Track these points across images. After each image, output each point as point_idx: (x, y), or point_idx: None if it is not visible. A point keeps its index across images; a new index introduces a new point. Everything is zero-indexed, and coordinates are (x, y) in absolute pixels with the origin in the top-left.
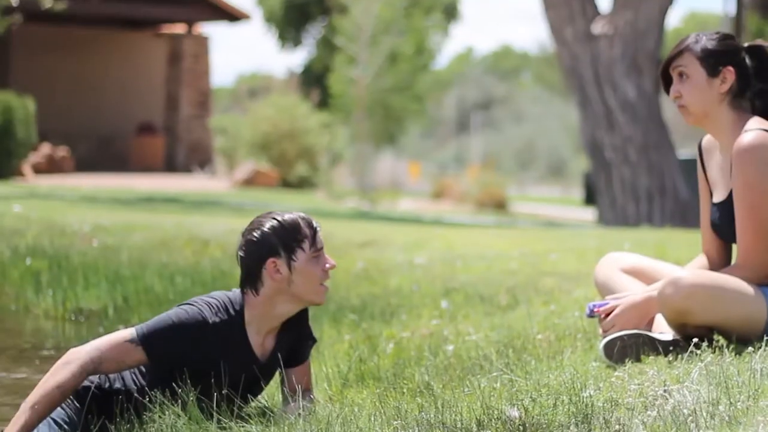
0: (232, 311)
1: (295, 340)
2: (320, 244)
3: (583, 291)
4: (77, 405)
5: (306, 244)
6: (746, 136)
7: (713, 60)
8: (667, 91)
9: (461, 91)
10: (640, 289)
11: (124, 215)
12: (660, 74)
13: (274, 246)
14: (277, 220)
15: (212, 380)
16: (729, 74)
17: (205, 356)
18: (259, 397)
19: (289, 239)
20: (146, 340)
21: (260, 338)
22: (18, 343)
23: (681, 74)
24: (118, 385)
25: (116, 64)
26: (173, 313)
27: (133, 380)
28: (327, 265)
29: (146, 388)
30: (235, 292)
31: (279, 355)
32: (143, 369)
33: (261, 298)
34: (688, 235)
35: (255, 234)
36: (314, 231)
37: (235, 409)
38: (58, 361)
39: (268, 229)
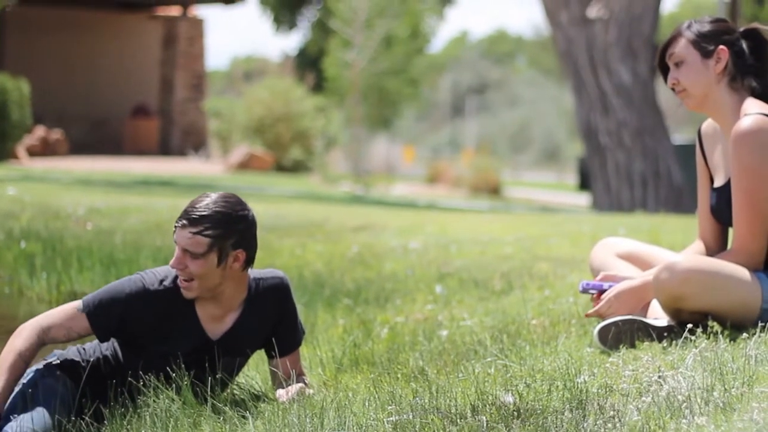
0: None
1: (273, 327)
2: (175, 238)
3: (577, 276)
4: (71, 388)
5: None
6: (745, 120)
7: (705, 41)
8: (666, 81)
9: (456, 75)
10: (636, 274)
11: (119, 198)
12: (657, 65)
13: None
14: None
15: (165, 350)
16: (723, 53)
17: (147, 325)
18: (254, 382)
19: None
20: (88, 308)
21: (207, 315)
22: (11, 326)
23: (676, 62)
24: (97, 354)
25: (111, 47)
26: (117, 282)
27: (109, 346)
28: (171, 261)
29: (119, 359)
30: None
31: (241, 337)
32: (116, 344)
33: None
34: (682, 221)
35: None
36: (176, 223)
37: (195, 382)
38: (13, 334)
39: None
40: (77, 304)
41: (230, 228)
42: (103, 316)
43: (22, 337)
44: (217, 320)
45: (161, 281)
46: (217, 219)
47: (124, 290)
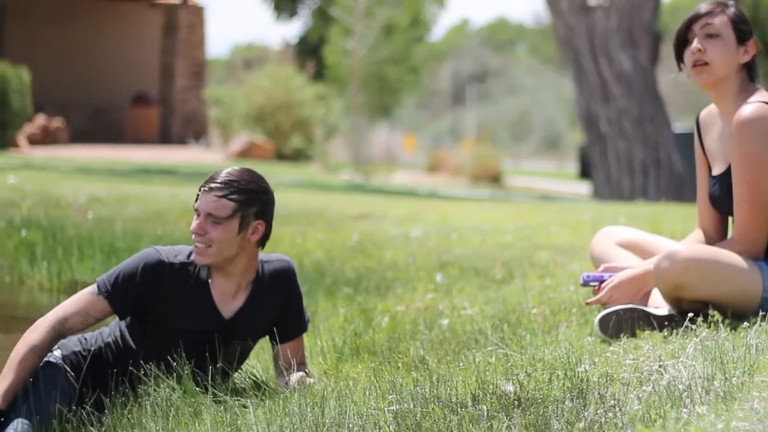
0: (193, 257)
1: (278, 310)
2: (197, 205)
3: (578, 265)
4: (72, 378)
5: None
6: (746, 108)
7: (746, 28)
8: (678, 56)
9: (456, 63)
10: (637, 263)
11: (119, 187)
12: (680, 29)
13: None
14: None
15: (176, 326)
16: (752, 48)
17: (163, 298)
18: (255, 371)
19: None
20: (105, 288)
21: (219, 291)
22: (12, 315)
23: (711, 33)
24: (99, 342)
25: (111, 35)
26: (130, 258)
27: (110, 333)
28: (191, 226)
29: (126, 342)
30: None
31: (250, 319)
32: (122, 328)
33: None
34: (683, 209)
35: None
36: (201, 189)
37: (203, 366)
38: (29, 328)
39: None
40: (91, 289)
41: (254, 196)
42: (121, 292)
43: (38, 331)
44: (228, 298)
45: (176, 255)
46: (242, 185)
47: (140, 263)
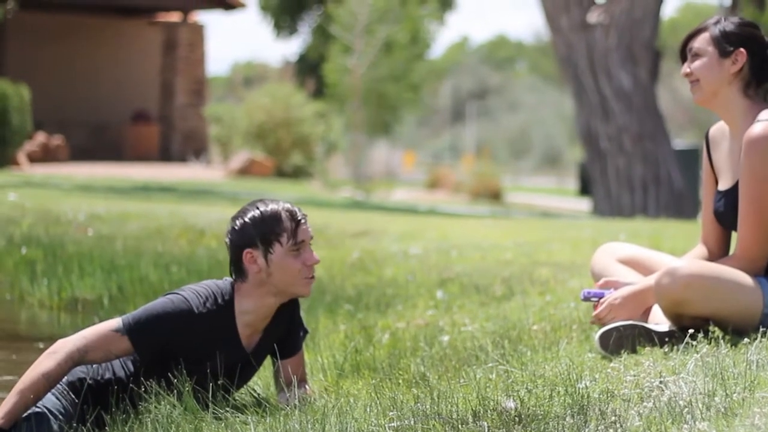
0: (221, 301)
1: (285, 331)
2: (301, 238)
3: (578, 281)
4: (72, 397)
5: (284, 238)
6: (757, 126)
7: (725, 41)
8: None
9: (456, 80)
10: (637, 279)
11: (120, 204)
12: (678, 52)
13: (251, 237)
14: (259, 211)
15: (200, 367)
16: (740, 56)
17: (191, 345)
18: (257, 388)
19: (267, 232)
20: (132, 331)
21: (249, 330)
22: (12, 332)
23: (694, 54)
24: (108, 375)
25: (111, 53)
26: (159, 303)
27: (123, 367)
28: (309, 261)
29: (137, 376)
30: (226, 281)
31: (265, 346)
32: (135, 363)
33: (249, 287)
34: (683, 226)
35: (237, 222)
36: (296, 224)
37: (226, 397)
38: (46, 351)
39: (249, 219)
40: (115, 325)
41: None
42: (148, 338)
43: (55, 360)
44: (252, 336)
45: (204, 303)
46: None
47: (170, 313)
